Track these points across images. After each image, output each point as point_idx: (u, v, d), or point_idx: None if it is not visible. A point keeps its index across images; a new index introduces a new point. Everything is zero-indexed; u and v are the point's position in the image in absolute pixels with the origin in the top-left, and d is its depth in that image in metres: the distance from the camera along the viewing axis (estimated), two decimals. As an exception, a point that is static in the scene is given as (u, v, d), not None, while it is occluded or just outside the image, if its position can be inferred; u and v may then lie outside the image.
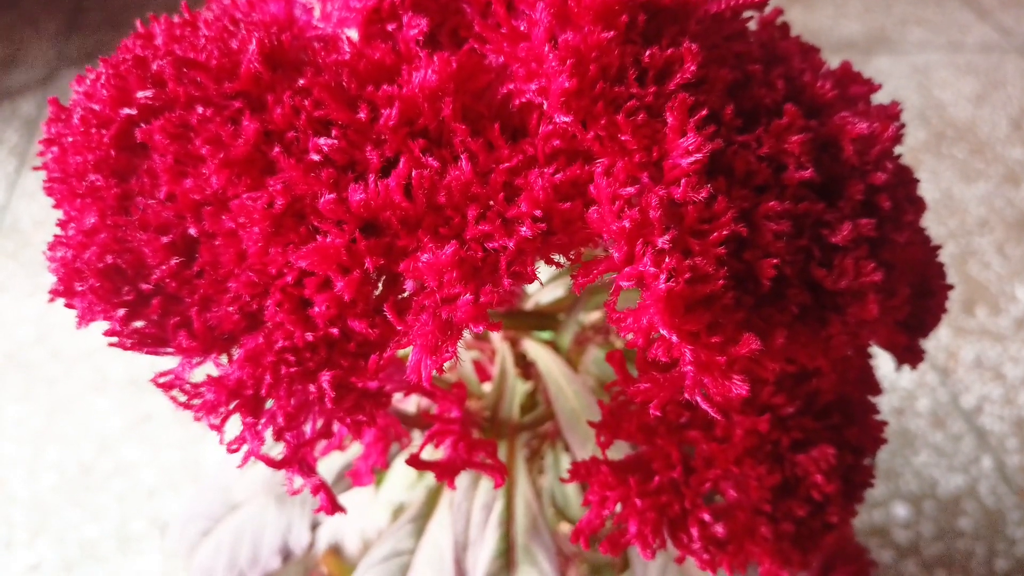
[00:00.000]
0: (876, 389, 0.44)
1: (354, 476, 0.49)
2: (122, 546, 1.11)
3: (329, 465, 0.61)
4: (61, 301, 0.34)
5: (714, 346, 0.29)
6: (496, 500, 0.49)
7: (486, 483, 0.49)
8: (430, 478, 0.59)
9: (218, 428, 0.35)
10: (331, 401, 0.33)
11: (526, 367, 0.62)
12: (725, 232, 0.30)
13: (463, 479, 0.49)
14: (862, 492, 0.42)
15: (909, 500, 1.14)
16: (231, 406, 0.34)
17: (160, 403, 1.24)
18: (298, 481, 0.37)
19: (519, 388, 0.59)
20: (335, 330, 0.32)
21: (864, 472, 0.41)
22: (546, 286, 0.58)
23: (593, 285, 0.53)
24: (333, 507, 0.36)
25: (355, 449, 0.52)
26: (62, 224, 0.35)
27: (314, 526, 0.62)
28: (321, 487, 0.36)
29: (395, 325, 0.31)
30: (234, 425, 0.35)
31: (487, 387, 0.60)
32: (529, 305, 0.57)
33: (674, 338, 0.29)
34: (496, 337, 0.59)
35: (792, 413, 0.40)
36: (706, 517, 0.38)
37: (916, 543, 1.09)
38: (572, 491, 0.67)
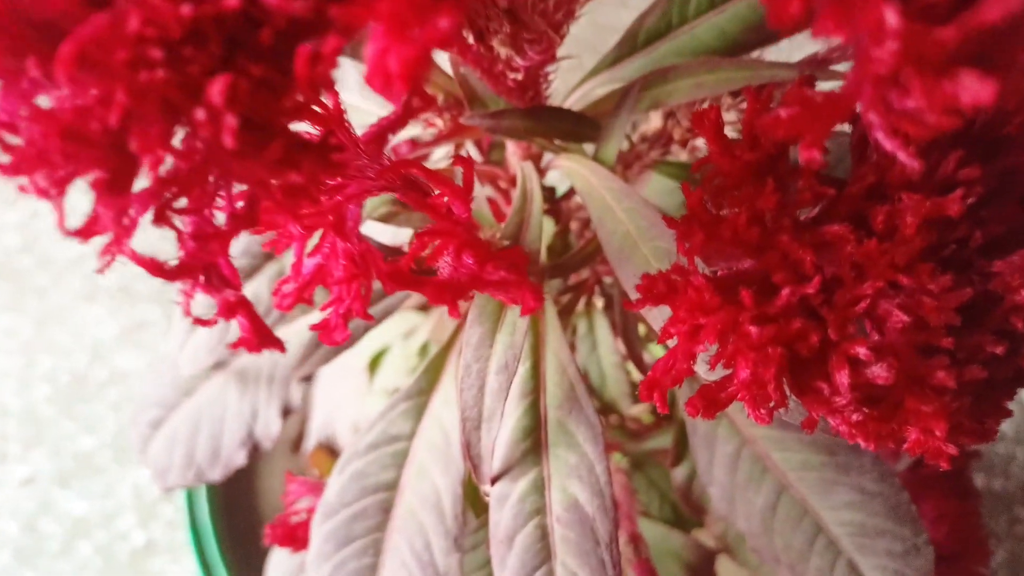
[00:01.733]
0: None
1: (322, 331, 0.35)
2: (119, 456, 1.04)
3: (291, 338, 0.48)
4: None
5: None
6: (519, 361, 0.35)
7: (504, 337, 0.35)
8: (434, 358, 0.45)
9: (57, 202, 0.20)
10: (233, 136, 0.18)
11: (554, 204, 0.47)
12: None
13: (473, 330, 0.35)
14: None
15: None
16: (73, 162, 0.19)
17: (154, 310, 1.16)
18: (205, 305, 0.23)
19: (546, 229, 0.44)
20: (229, -6, 0.17)
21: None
22: (584, 83, 0.42)
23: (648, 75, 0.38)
24: (260, 339, 0.22)
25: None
26: None
27: (286, 411, 0.49)
28: (239, 307, 0.22)
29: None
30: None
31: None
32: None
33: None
34: (514, 155, 0.44)
35: (985, 196, 0.25)
36: (862, 353, 0.24)
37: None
38: (609, 366, 0.53)
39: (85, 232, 0.20)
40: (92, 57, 0.18)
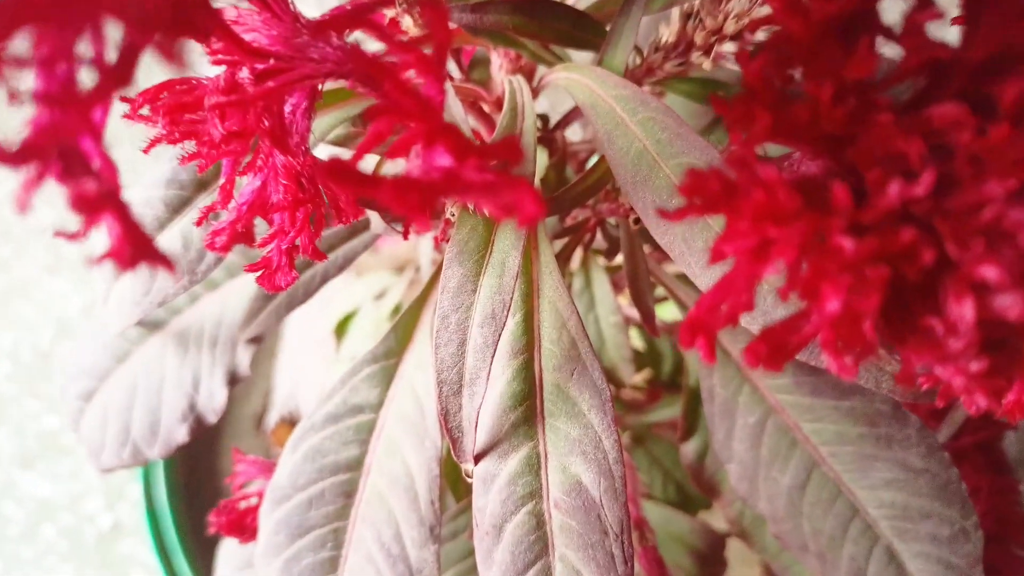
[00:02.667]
0: None
1: (263, 273, 0.28)
2: (86, 437, 0.96)
3: (236, 292, 0.40)
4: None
5: None
6: (508, 311, 0.28)
7: (491, 280, 0.28)
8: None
9: None
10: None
11: (548, 134, 0.40)
12: None
13: (452, 271, 0.28)
14: None
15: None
16: None
17: (121, 283, 1.09)
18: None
19: (540, 161, 0.37)
20: None
21: None
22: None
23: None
24: (135, 249, 0.15)
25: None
26: None
27: (232, 378, 0.42)
28: (104, 204, 0.15)
29: None
30: None
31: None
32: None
33: None
34: (501, 70, 0.37)
35: None
36: (991, 275, 0.17)
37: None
38: (609, 327, 0.46)
39: None
40: None
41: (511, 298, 0.28)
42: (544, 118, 0.41)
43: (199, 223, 0.27)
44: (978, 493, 0.51)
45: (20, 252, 1.14)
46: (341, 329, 0.58)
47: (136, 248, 0.15)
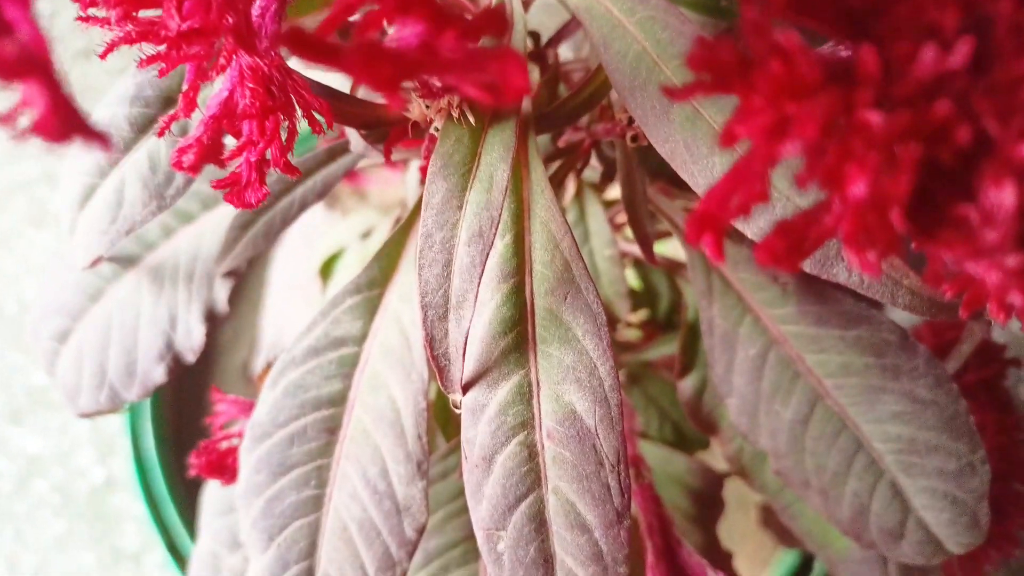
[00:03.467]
0: None
1: (231, 189, 0.26)
2: (75, 390, 0.94)
3: (212, 224, 0.38)
4: None
5: None
6: (497, 229, 0.26)
7: (478, 195, 0.26)
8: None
9: None
10: None
11: (539, 50, 0.38)
12: None
13: (436, 186, 0.26)
14: None
15: None
16: None
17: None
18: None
19: (532, 76, 0.35)
20: None
21: None
22: None
23: None
24: (61, 118, 0.13)
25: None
26: None
27: (210, 315, 0.40)
28: (28, 67, 0.13)
29: None
30: None
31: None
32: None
33: None
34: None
35: None
36: (1036, 155, 0.15)
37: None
38: (604, 260, 0.44)
39: None
40: None
41: (499, 214, 0.26)
42: (535, 35, 0.38)
43: (160, 134, 0.25)
44: (983, 431, 0.50)
45: (4, 205, 1.12)
46: (326, 270, 0.56)
47: (65, 121, 0.13)
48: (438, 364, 0.27)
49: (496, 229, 0.26)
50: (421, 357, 0.32)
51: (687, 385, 0.42)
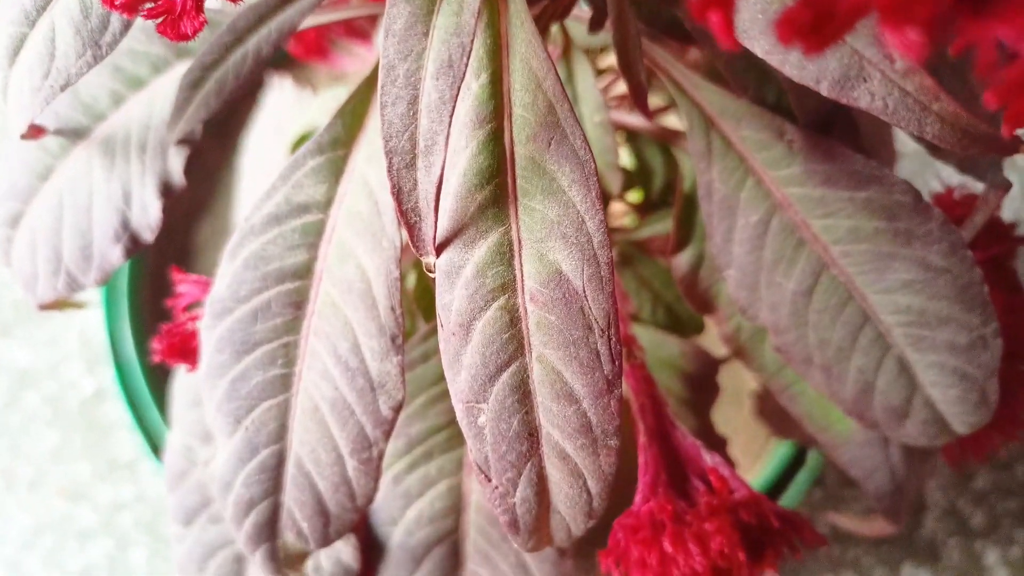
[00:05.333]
0: None
1: (164, 19, 0.22)
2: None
3: (170, 80, 0.35)
4: None
5: None
6: (469, 60, 0.23)
7: (446, 20, 0.23)
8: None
9: None
10: None
11: None
12: None
13: (398, 9, 0.23)
14: None
15: None
16: None
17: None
18: None
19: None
20: None
21: None
22: None
23: None
24: None
25: None
26: None
27: (166, 189, 0.37)
28: None
29: None
30: None
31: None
32: None
33: None
34: None
35: None
36: None
37: None
38: (594, 127, 0.41)
39: None
40: None
41: (471, 41, 0.22)
42: None
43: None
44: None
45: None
46: (297, 149, 0.52)
47: None
48: (407, 221, 0.25)
49: (468, 58, 0.22)
50: (392, 223, 0.29)
51: (682, 261, 0.39)
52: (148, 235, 0.37)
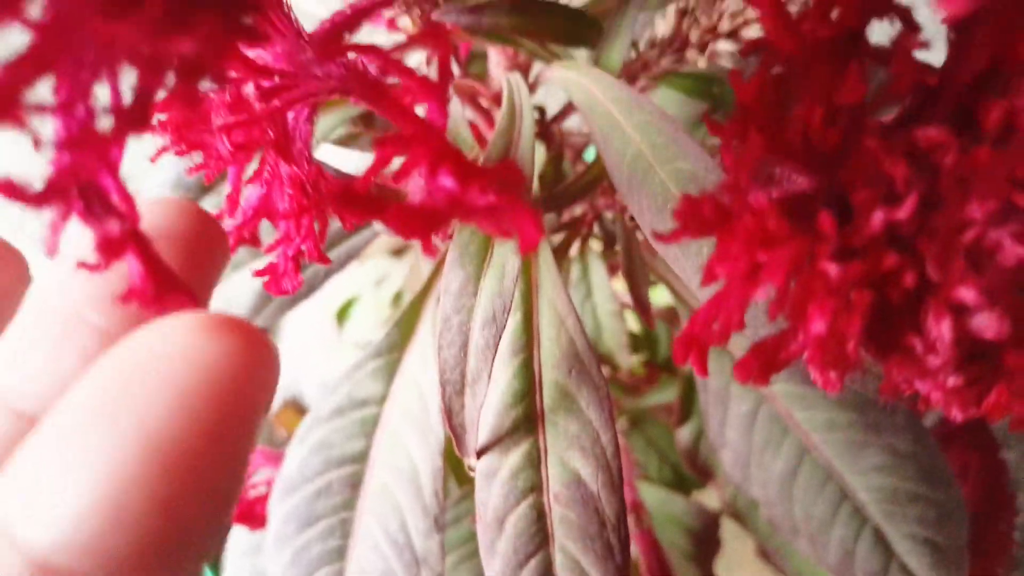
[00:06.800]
0: None
1: (269, 277, 0.29)
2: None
3: (242, 285, 0.41)
4: None
5: None
6: (509, 312, 0.29)
7: (492, 283, 0.29)
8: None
9: None
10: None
11: (545, 127, 0.41)
12: None
13: (454, 275, 0.29)
14: None
15: None
16: None
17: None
18: (79, 235, 0.17)
19: (538, 156, 0.38)
20: None
21: None
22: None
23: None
24: (159, 287, 0.16)
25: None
26: None
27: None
28: (127, 243, 0.16)
29: None
30: None
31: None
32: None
33: None
34: (499, 66, 0.37)
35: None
36: (969, 297, 0.18)
37: None
38: (606, 315, 0.47)
39: None
40: None
41: (511, 301, 0.28)
42: (541, 110, 0.41)
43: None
44: (967, 471, 0.53)
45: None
46: (343, 315, 0.58)
47: (159, 284, 0.16)
48: (455, 433, 0.30)
49: (508, 314, 0.28)
50: (438, 420, 0.35)
51: (684, 434, 0.44)
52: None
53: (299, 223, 0.28)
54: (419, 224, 0.18)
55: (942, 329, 0.18)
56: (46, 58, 0.15)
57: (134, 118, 0.15)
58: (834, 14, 0.18)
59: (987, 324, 0.18)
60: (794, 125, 0.18)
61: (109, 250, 0.16)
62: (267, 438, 0.74)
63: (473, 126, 0.40)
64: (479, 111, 0.40)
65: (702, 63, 0.34)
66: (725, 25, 0.32)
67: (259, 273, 0.29)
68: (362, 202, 0.18)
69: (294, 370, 0.64)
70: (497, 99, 0.39)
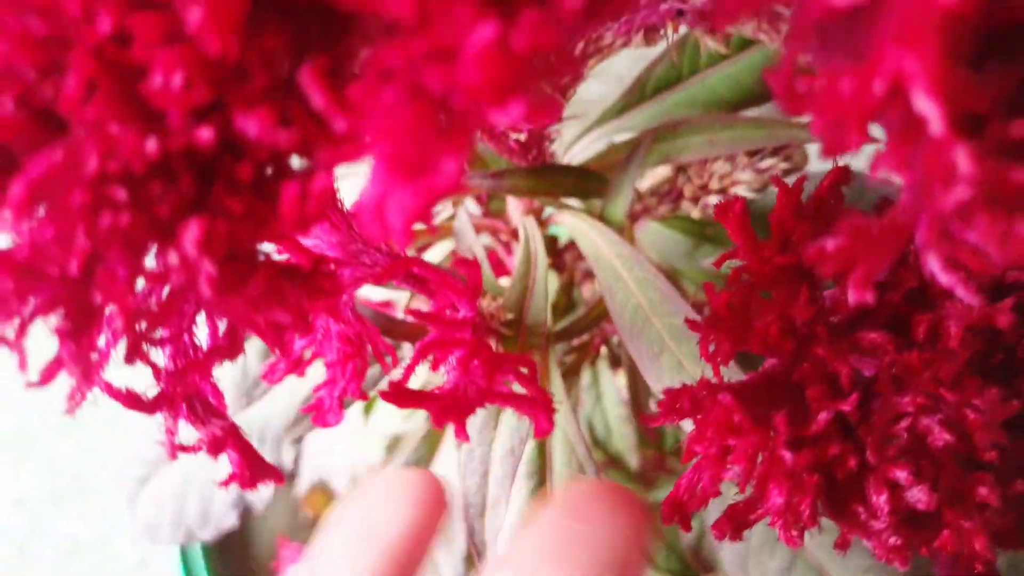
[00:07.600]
0: None
1: (315, 412, 0.33)
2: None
3: (283, 399, 0.46)
4: None
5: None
6: (523, 442, 0.33)
7: (510, 419, 0.33)
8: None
9: (17, 346, 0.18)
10: (211, 283, 0.16)
11: (557, 255, 0.45)
12: None
13: (476, 417, 0.33)
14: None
15: None
16: (30, 305, 0.17)
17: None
18: (189, 435, 0.21)
19: (550, 285, 0.42)
20: (205, 132, 0.15)
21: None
22: (590, 131, 0.40)
23: (659, 128, 0.36)
24: (254, 473, 0.20)
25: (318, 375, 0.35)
26: None
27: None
28: (228, 439, 0.20)
29: (329, 111, 0.14)
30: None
31: (505, 282, 0.43)
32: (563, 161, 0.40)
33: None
34: (516, 209, 0.42)
35: (1033, 299, 0.23)
36: (901, 476, 0.22)
37: None
38: (615, 419, 0.51)
39: (47, 377, 0.18)
40: (47, 195, 0.16)
41: (527, 436, 0.33)
42: (553, 239, 0.46)
43: (265, 375, 0.33)
44: None
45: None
46: (369, 407, 0.63)
47: (255, 470, 0.20)
48: (476, 549, 0.34)
49: (524, 447, 0.33)
50: (461, 532, 0.39)
51: (689, 533, 0.48)
52: (260, 507, 0.47)
53: (344, 369, 0.33)
54: (455, 413, 0.22)
55: (880, 500, 0.22)
56: (160, 314, 0.19)
57: (230, 350, 0.20)
58: (791, 243, 0.23)
59: (919, 497, 0.22)
60: (757, 332, 0.22)
61: (216, 445, 0.20)
62: (291, 518, 0.78)
63: (492, 254, 0.45)
64: (498, 242, 0.44)
65: (696, 214, 0.38)
66: (715, 184, 0.37)
67: (307, 409, 0.34)
68: (409, 396, 0.22)
69: (323, 456, 0.69)
70: (514, 233, 0.43)
